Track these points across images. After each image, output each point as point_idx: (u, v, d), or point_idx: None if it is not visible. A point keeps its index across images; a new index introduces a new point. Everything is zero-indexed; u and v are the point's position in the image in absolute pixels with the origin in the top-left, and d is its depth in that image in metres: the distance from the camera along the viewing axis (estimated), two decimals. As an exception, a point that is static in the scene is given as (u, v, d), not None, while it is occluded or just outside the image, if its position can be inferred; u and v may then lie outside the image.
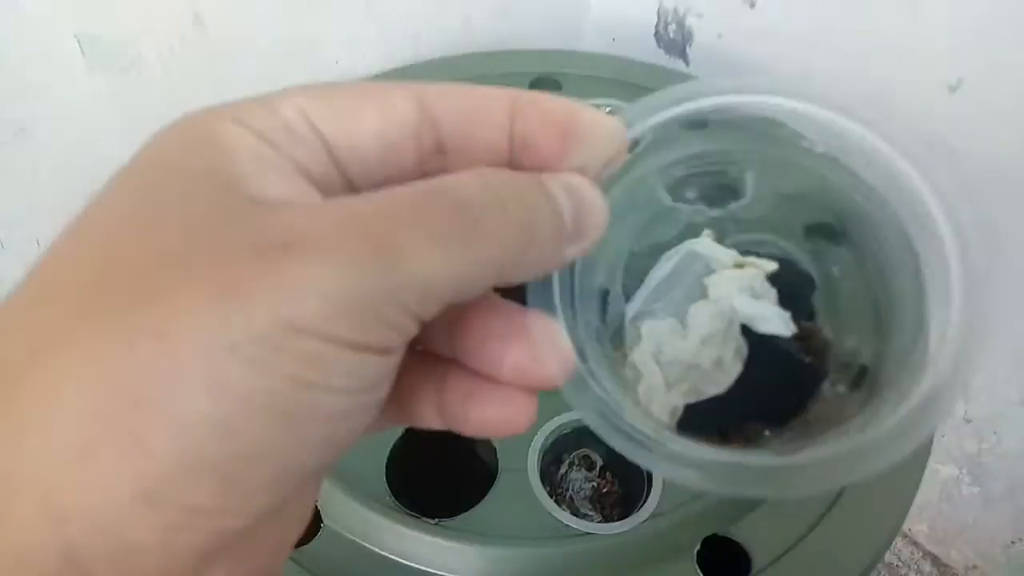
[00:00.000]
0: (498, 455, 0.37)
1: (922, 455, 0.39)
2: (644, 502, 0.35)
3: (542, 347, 0.16)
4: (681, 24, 0.64)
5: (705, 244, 0.22)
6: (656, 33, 0.66)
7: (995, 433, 0.60)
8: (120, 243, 0.13)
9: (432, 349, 0.17)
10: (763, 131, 0.21)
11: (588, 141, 0.16)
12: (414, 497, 0.36)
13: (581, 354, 0.17)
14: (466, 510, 0.35)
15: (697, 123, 0.21)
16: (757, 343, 0.21)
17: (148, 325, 0.12)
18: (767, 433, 0.20)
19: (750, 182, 0.23)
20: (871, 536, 0.36)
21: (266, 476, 0.13)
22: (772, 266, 0.22)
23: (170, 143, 0.14)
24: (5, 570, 0.12)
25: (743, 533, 0.35)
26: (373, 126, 0.15)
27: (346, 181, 0.15)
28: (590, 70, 0.58)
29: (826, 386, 0.21)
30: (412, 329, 0.14)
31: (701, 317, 0.21)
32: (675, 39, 0.65)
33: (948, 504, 0.68)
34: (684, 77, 0.59)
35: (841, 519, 0.36)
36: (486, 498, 0.36)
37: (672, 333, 0.21)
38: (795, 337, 0.21)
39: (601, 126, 0.17)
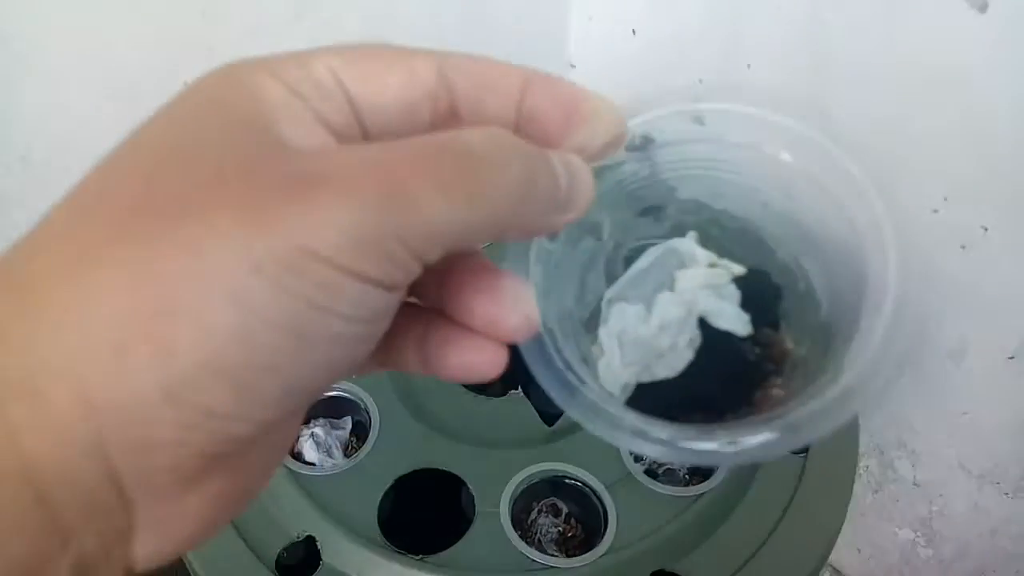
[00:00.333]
0: (475, 501, 0.43)
1: (844, 493, 0.44)
2: (601, 540, 0.41)
3: (510, 304, 0.17)
4: (646, 135, 0.73)
5: (686, 243, 0.24)
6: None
7: (941, 496, 0.65)
8: (160, 168, 0.14)
9: (421, 299, 0.18)
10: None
11: (590, 123, 0.18)
12: (402, 536, 0.42)
13: (550, 333, 0.20)
14: (447, 548, 0.41)
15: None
16: (713, 337, 0.22)
17: (182, 241, 0.13)
18: (714, 422, 0.21)
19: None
20: (800, 566, 0.41)
21: (274, 388, 0.14)
22: (740, 269, 0.23)
23: (211, 86, 0.16)
24: (44, 450, 0.13)
25: (687, 567, 0.40)
26: (395, 88, 0.17)
27: (365, 134, 0.17)
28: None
29: (775, 387, 0.22)
30: (415, 269, 0.15)
31: (664, 305, 0.22)
32: (638, 145, 0.75)
33: (908, 567, 0.71)
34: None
35: (773, 553, 0.41)
36: (464, 538, 0.41)
37: (637, 317, 0.22)
38: (756, 343, 0.23)
39: (604, 112, 0.18)
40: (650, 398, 0.22)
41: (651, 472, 0.45)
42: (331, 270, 0.13)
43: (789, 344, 0.23)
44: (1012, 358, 0.54)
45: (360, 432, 0.49)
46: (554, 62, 0.75)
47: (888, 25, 0.49)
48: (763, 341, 0.23)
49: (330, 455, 0.47)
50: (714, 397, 0.22)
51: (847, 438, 0.46)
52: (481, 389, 0.49)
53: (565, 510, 0.45)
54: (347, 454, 0.47)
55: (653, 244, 0.24)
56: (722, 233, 0.25)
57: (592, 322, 0.23)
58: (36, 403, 0.13)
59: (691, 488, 0.43)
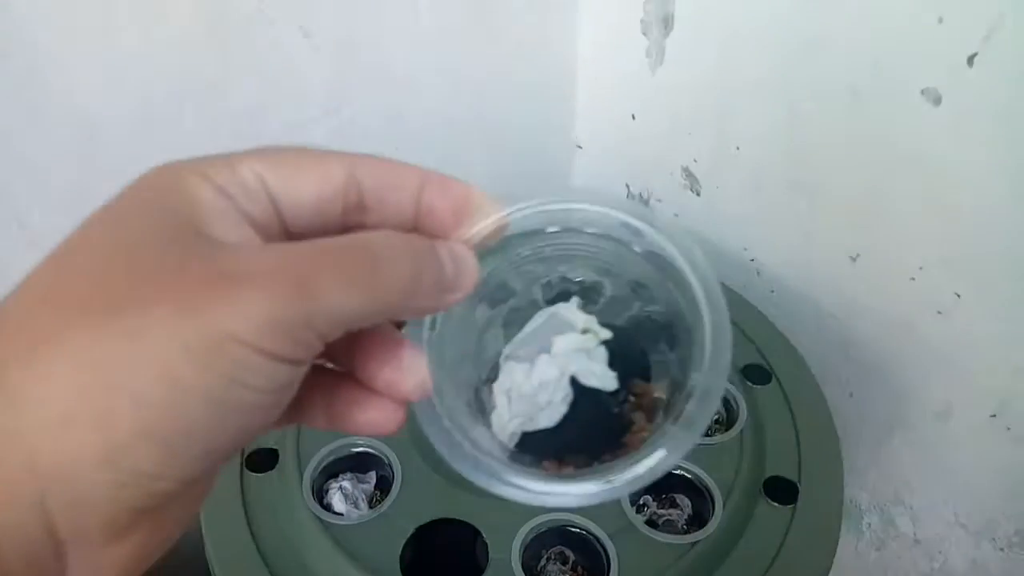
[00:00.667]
0: (488, 549, 0.46)
1: (830, 541, 0.47)
2: (604, 585, 0.44)
3: (406, 371, 0.20)
4: (646, 205, 0.79)
5: (567, 308, 0.27)
6: (629, 213, 0.82)
7: (940, 553, 0.67)
8: (106, 265, 0.16)
9: (332, 362, 0.21)
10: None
11: (474, 217, 0.21)
12: (421, 581, 0.45)
13: (439, 391, 0.23)
14: (462, 592, 0.44)
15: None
16: (584, 393, 0.26)
17: (122, 330, 0.15)
18: (594, 463, 0.25)
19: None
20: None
21: (197, 450, 0.16)
22: (607, 334, 0.27)
23: (146, 187, 0.18)
24: None
25: (682, 611, 0.44)
26: (311, 187, 0.19)
27: (284, 227, 0.19)
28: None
29: (644, 431, 0.26)
30: (318, 347, 0.17)
31: (542, 366, 0.26)
32: (643, 219, 0.80)
33: (916, 624, 0.73)
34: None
35: (763, 600, 0.44)
36: (478, 583, 0.45)
37: (523, 374, 0.26)
38: (630, 393, 0.27)
39: (487, 207, 0.21)
40: (536, 444, 0.26)
41: (651, 522, 0.48)
42: (248, 351, 0.16)
43: (657, 392, 0.27)
44: (994, 416, 0.57)
45: (384, 485, 0.53)
46: (562, 143, 0.82)
47: (856, 113, 0.55)
48: (635, 391, 0.27)
49: (356, 506, 0.51)
50: (587, 441, 0.26)
51: (832, 488, 0.49)
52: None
53: (572, 557, 0.48)
54: (372, 505, 0.52)
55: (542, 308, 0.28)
56: (600, 298, 0.28)
57: (493, 376, 0.27)
58: None
59: (687, 536, 0.46)
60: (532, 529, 0.47)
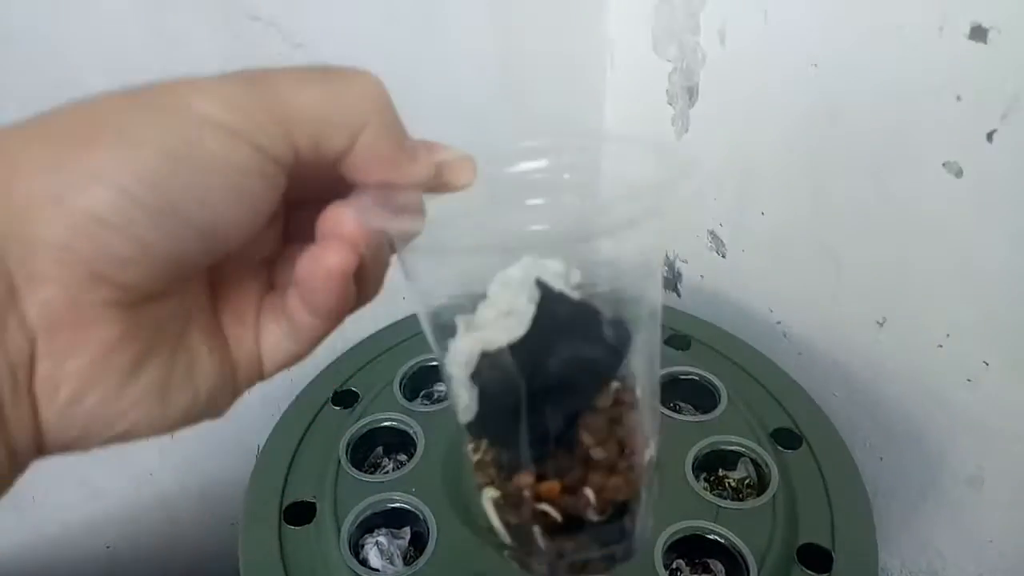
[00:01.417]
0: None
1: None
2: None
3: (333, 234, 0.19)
4: (672, 267, 0.81)
5: (549, 264, 0.24)
6: (655, 274, 0.84)
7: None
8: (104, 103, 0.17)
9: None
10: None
11: (446, 151, 0.21)
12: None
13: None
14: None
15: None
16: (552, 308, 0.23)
17: (84, 109, 0.17)
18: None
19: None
20: None
21: (155, 214, 0.16)
22: (576, 276, 0.24)
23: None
24: None
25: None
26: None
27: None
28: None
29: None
30: (284, 149, 0.18)
31: (508, 270, 0.24)
32: (668, 278, 0.82)
33: None
34: (674, 310, 0.74)
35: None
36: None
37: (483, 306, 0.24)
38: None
39: (458, 154, 0.21)
40: (493, 373, 0.23)
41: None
42: (207, 123, 0.17)
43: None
44: (1027, 484, 0.57)
45: (418, 541, 0.54)
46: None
47: (879, 183, 0.57)
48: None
49: (392, 562, 0.52)
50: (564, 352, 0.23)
51: (866, 557, 0.49)
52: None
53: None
54: (407, 561, 0.52)
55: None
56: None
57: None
58: None
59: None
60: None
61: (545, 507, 0.24)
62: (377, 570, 0.50)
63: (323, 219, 0.19)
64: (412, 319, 0.72)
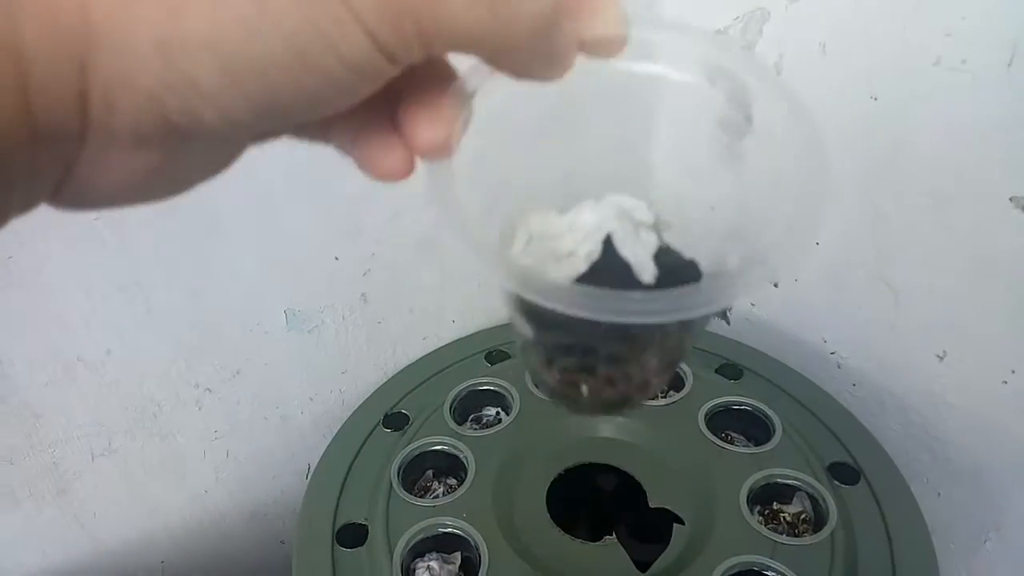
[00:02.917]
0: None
1: None
2: None
3: (436, 120, 0.18)
4: (722, 295, 0.80)
5: (640, 206, 0.23)
6: (703, 300, 0.83)
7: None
8: None
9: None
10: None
11: (599, 14, 0.18)
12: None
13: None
14: None
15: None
16: (612, 267, 0.22)
17: None
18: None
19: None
20: None
21: (253, 91, 0.15)
22: (665, 242, 0.22)
23: None
24: (39, 42, 0.14)
25: None
26: None
27: None
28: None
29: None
30: (415, 55, 0.16)
31: (582, 209, 0.22)
32: (718, 306, 0.81)
33: None
34: (725, 339, 0.73)
35: None
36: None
37: (555, 224, 0.22)
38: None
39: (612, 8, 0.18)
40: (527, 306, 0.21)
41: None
42: (350, 15, 0.15)
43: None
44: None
45: (468, 567, 0.54)
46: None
47: (941, 215, 0.56)
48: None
49: (443, 588, 0.52)
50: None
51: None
52: (579, 534, 0.54)
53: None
54: (457, 588, 0.52)
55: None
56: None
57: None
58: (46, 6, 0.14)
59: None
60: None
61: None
62: (429, 595, 0.51)
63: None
64: (461, 341, 0.73)
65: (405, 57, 0.16)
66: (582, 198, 0.23)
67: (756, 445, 0.59)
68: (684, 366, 0.66)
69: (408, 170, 0.19)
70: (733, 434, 0.62)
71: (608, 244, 0.22)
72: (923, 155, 0.56)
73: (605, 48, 0.19)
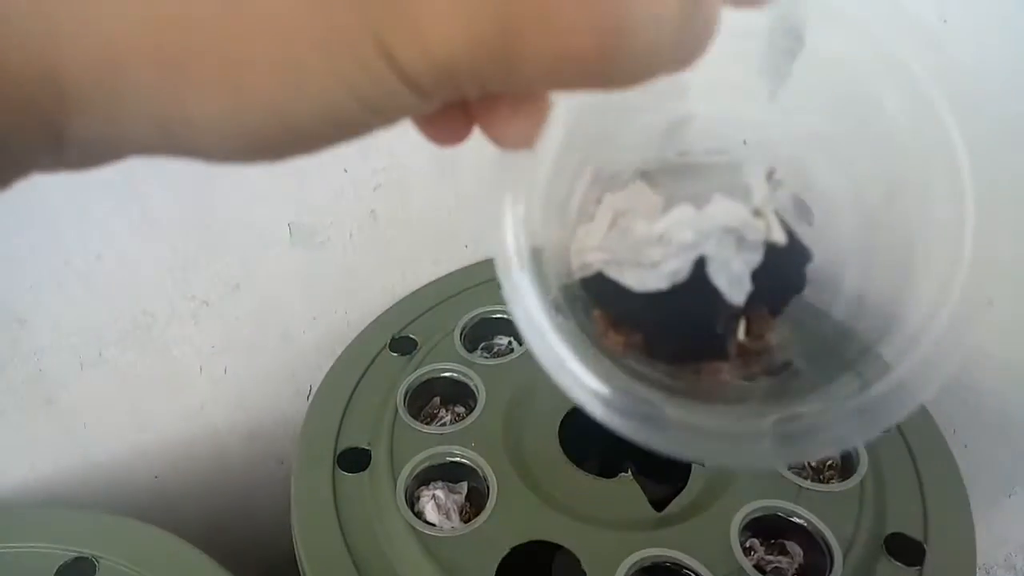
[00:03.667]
0: (587, 577, 0.44)
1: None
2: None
3: (530, 116, 0.15)
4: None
5: (754, 171, 0.20)
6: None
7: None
8: None
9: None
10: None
11: None
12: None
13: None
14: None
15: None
16: (699, 283, 0.19)
17: None
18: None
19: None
20: None
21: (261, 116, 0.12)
22: (780, 237, 0.20)
23: None
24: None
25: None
26: None
27: None
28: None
29: (723, 372, 0.20)
30: (449, 98, 0.13)
31: (679, 217, 0.19)
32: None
33: None
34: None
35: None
36: (576, 613, 0.43)
37: (649, 207, 0.20)
38: (747, 318, 0.20)
39: None
40: (600, 291, 0.19)
41: (759, 568, 0.46)
42: (392, 76, 0.12)
43: (771, 339, 0.21)
44: None
45: (475, 497, 0.51)
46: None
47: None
48: (753, 321, 0.20)
49: (448, 518, 0.49)
50: (658, 338, 0.20)
51: (964, 554, 0.46)
52: (592, 470, 0.52)
53: (673, 595, 0.46)
54: (462, 517, 0.50)
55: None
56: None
57: (611, 180, 0.20)
58: None
59: (802, 590, 0.43)
60: (635, 563, 0.45)
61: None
62: (433, 524, 0.48)
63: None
64: (474, 267, 0.69)
65: (438, 98, 0.13)
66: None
67: (779, 383, 0.56)
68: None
69: (464, 138, 0.16)
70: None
71: (699, 265, 0.19)
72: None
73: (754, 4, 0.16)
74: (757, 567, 0.45)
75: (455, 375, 0.58)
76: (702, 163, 0.21)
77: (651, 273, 0.19)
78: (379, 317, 0.64)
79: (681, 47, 0.13)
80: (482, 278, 0.67)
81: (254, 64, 0.12)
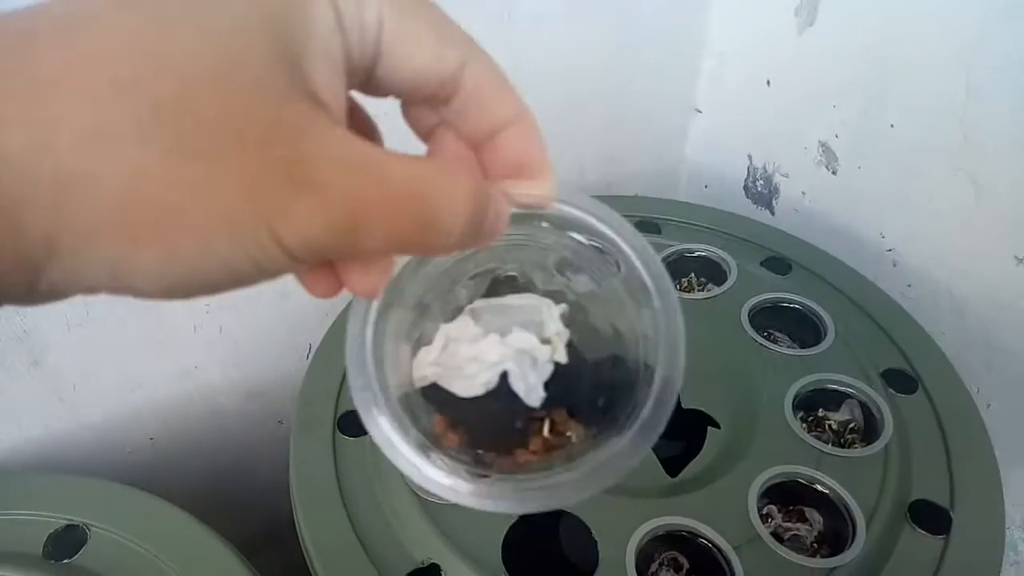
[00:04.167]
0: (599, 546, 0.43)
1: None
2: (725, 601, 0.40)
3: (369, 274, 0.20)
4: (768, 181, 0.73)
5: (551, 310, 0.26)
6: (745, 186, 0.76)
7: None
8: (194, 51, 0.15)
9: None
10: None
11: (536, 182, 0.21)
12: (524, 573, 0.42)
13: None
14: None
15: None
16: (506, 388, 0.25)
17: (191, 176, 0.15)
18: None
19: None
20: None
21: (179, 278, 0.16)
22: (562, 357, 0.26)
23: None
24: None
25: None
26: (420, 62, 0.19)
27: (368, 76, 0.19)
28: (687, 218, 0.66)
29: (529, 454, 0.26)
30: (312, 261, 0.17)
31: (487, 345, 0.25)
32: (762, 193, 0.74)
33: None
34: (773, 229, 0.66)
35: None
36: (588, 585, 0.41)
37: (471, 339, 0.25)
38: (550, 417, 0.26)
39: (545, 177, 0.21)
40: (435, 397, 0.26)
41: (776, 535, 0.44)
42: (279, 253, 0.16)
43: (572, 433, 0.26)
44: None
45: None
46: (679, 105, 0.76)
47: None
48: (555, 419, 0.26)
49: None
50: (478, 429, 0.26)
51: (991, 521, 0.44)
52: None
53: (686, 566, 0.44)
54: (469, 484, 0.48)
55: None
56: (584, 320, 0.28)
57: (449, 311, 0.27)
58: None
59: (823, 560, 0.42)
60: (650, 531, 0.43)
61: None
62: (439, 491, 0.46)
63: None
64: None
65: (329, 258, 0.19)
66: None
67: (803, 347, 0.54)
68: (726, 256, 0.59)
69: (336, 293, 0.20)
70: (778, 334, 0.57)
71: (504, 377, 0.25)
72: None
73: (537, 205, 0.22)
74: (774, 535, 0.44)
75: (459, 335, 0.55)
76: (512, 304, 0.26)
77: (469, 382, 0.25)
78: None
79: (475, 235, 0.19)
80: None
81: (185, 239, 0.16)
